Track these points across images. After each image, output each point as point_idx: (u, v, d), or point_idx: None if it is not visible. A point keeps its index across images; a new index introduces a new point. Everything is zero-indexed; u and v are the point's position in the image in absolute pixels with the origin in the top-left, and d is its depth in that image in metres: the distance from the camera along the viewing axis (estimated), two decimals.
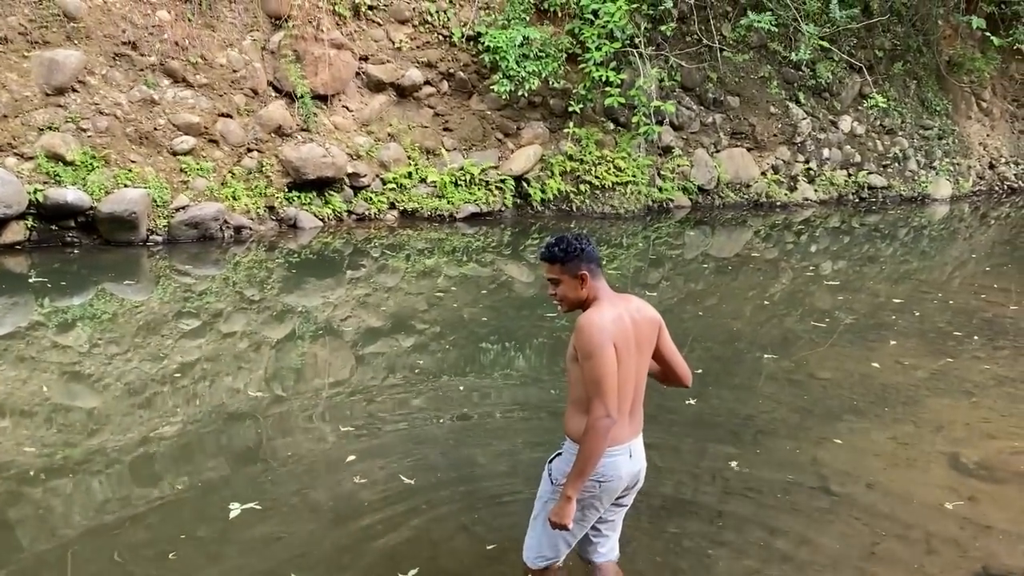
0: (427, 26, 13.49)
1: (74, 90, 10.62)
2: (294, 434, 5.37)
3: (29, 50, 10.45)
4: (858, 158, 17.72)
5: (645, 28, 14.43)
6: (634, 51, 13.99)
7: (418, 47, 13.45)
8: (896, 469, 4.99)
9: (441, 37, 13.58)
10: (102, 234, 10.14)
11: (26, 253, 9.70)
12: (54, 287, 8.54)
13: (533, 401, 6.05)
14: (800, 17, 15.49)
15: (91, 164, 10.32)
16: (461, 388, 6.18)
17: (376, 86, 13.09)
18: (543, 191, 13.70)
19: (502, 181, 13.45)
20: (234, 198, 11.27)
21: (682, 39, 15.57)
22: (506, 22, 13.51)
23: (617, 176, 14.03)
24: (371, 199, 12.60)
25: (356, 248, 11.06)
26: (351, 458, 4.90)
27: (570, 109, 13.79)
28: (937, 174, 18.79)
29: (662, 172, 14.97)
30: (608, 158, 14.07)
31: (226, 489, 4.52)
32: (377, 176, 12.76)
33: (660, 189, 14.74)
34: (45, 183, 9.96)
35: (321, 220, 12.02)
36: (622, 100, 13.52)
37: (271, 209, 11.72)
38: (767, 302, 9.39)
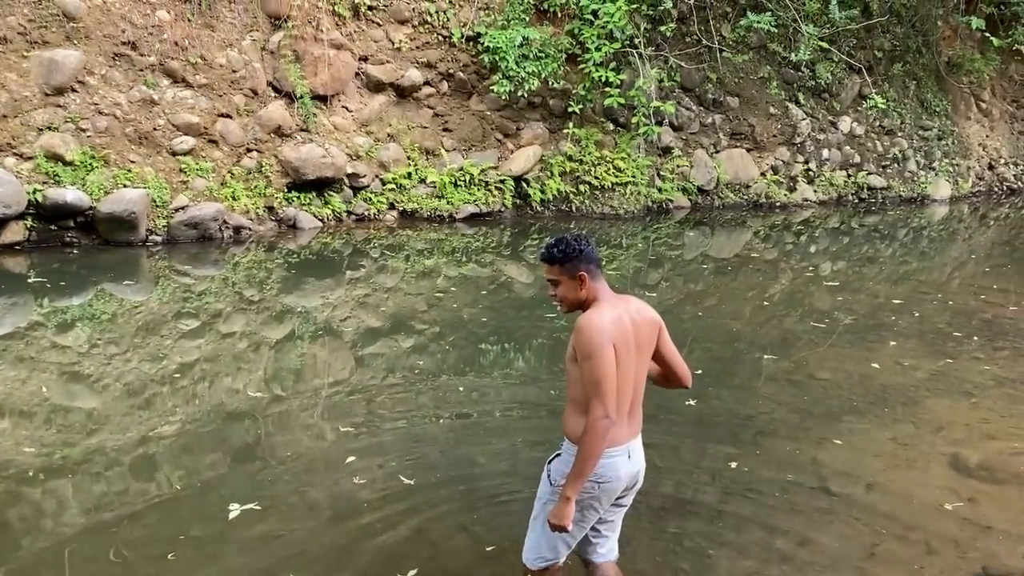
0: (427, 26, 13.49)
1: (73, 90, 10.62)
2: (293, 433, 5.37)
3: (28, 50, 10.45)
4: (857, 159, 17.73)
5: (645, 28, 14.43)
6: (634, 51, 14.00)
7: (418, 47, 13.45)
8: (896, 470, 4.99)
9: (441, 37, 13.58)
10: (101, 234, 10.14)
11: (25, 253, 9.70)
12: (53, 287, 8.54)
13: (533, 401, 6.04)
14: (800, 18, 15.50)
15: (90, 164, 10.31)
16: (461, 388, 6.18)
17: (376, 86, 13.08)
18: (543, 191, 13.70)
19: (502, 181, 13.45)
20: (233, 198, 11.27)
21: (682, 40, 15.57)
22: (506, 22, 13.51)
23: (617, 177, 14.04)
24: (370, 199, 12.59)
25: (355, 248, 11.06)
26: (351, 459, 4.90)
27: (570, 109, 13.80)
28: (936, 175, 18.81)
29: (662, 173, 14.98)
30: (608, 158, 14.08)
31: (225, 488, 4.52)
32: (376, 176, 12.76)
33: (660, 190, 14.74)
34: (44, 183, 9.95)
35: (320, 220, 12.02)
36: (622, 100, 13.53)
37: (270, 209, 11.72)
38: (767, 303, 9.39)
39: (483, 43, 13.28)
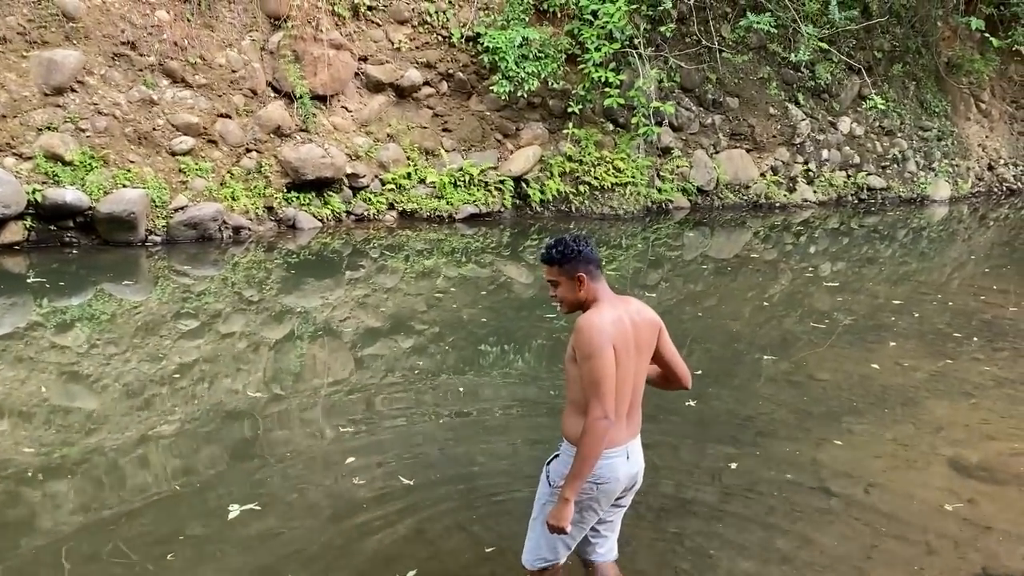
0: (426, 27, 13.48)
1: (73, 90, 10.61)
2: (292, 433, 5.36)
3: (28, 50, 10.44)
4: (857, 159, 17.73)
5: (644, 29, 14.43)
6: (633, 52, 13.99)
7: (417, 48, 13.44)
8: (896, 470, 4.99)
9: (440, 38, 13.57)
10: (101, 234, 10.13)
11: (24, 253, 9.69)
12: (52, 287, 8.53)
13: (532, 400, 6.04)
14: (799, 18, 15.50)
15: (90, 164, 10.31)
16: (461, 389, 6.17)
17: (375, 86, 13.08)
18: (542, 192, 13.70)
19: (501, 182, 13.44)
20: (233, 198, 11.26)
21: (681, 40, 15.57)
22: (505, 23, 13.51)
23: (616, 177, 14.04)
24: (370, 200, 12.59)
25: (355, 249, 11.05)
26: (350, 459, 4.89)
27: (569, 110, 13.79)
28: (936, 175, 18.81)
29: (661, 173, 14.97)
30: (607, 159, 14.08)
31: (224, 488, 4.51)
32: (376, 177, 12.76)
33: (659, 190, 14.74)
34: (44, 183, 9.94)
35: (320, 221, 12.01)
36: (621, 101, 13.52)
37: (270, 209, 11.71)
38: (766, 303, 9.39)
39: (483, 43, 13.28)
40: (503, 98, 13.26)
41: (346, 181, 12.41)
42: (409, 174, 12.92)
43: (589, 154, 13.94)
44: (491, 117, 13.84)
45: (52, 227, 10.00)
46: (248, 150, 11.75)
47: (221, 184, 11.32)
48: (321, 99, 12.52)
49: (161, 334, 7.26)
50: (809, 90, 17.27)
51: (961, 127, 20.16)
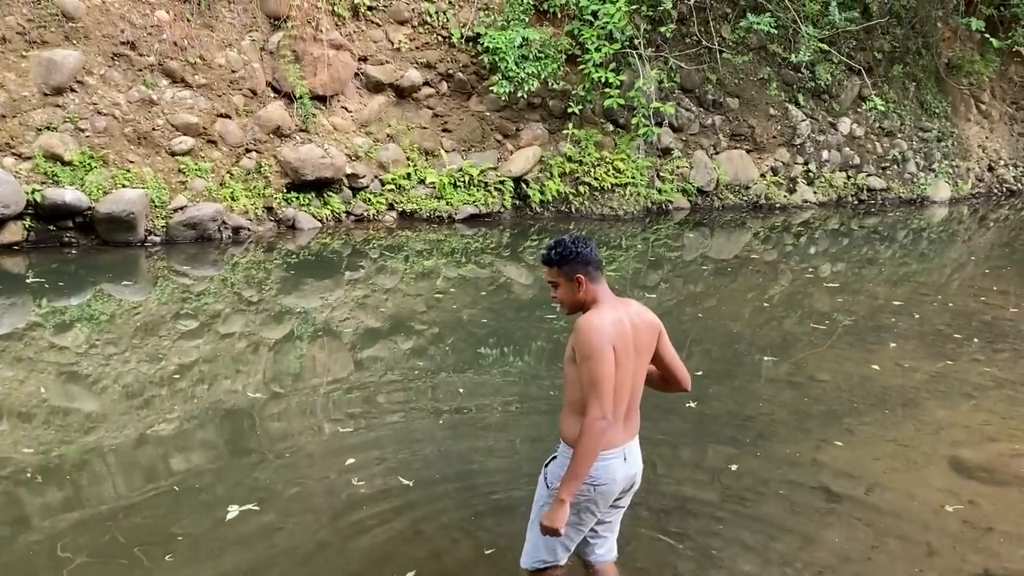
0: (426, 27, 13.48)
1: (72, 90, 10.60)
2: (292, 432, 5.35)
3: (27, 50, 10.43)
4: (857, 160, 17.73)
5: (644, 29, 14.43)
6: (633, 52, 13.99)
7: (417, 48, 13.44)
8: (896, 471, 4.98)
9: (440, 38, 13.56)
10: (100, 234, 10.12)
11: (24, 253, 9.68)
12: (52, 287, 8.52)
13: (532, 399, 6.03)
14: (799, 19, 15.50)
15: (89, 164, 10.30)
16: (461, 389, 6.16)
17: (375, 87, 13.07)
18: (542, 192, 13.69)
19: (501, 182, 13.44)
20: (232, 199, 11.26)
21: (681, 40, 15.57)
22: (505, 23, 13.50)
23: (616, 177, 14.03)
24: (370, 200, 12.58)
25: (355, 249, 11.04)
26: (350, 460, 4.88)
27: (569, 110, 13.79)
28: (936, 176, 18.81)
29: (661, 174, 14.97)
30: (607, 159, 14.07)
31: (222, 486, 4.51)
32: (376, 177, 12.75)
33: (659, 191, 14.73)
34: (43, 183, 9.93)
35: (320, 221, 12.00)
36: (621, 101, 13.52)
37: (269, 210, 11.70)
38: (766, 304, 9.38)
39: (483, 44, 13.27)
40: (503, 98, 13.25)
41: (346, 181, 12.40)
42: (409, 174, 12.91)
43: (589, 155, 13.94)
44: (491, 117, 13.84)
45: (51, 227, 9.99)
46: (248, 150, 11.74)
47: (221, 184, 11.31)
48: (321, 99, 12.51)
49: (160, 334, 7.25)
50: (809, 91, 17.27)
51: (961, 128, 20.16)
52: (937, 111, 19.42)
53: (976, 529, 4.32)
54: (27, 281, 8.73)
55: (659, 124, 14.51)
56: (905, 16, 18.73)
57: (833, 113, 17.62)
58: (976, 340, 7.81)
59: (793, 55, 15.71)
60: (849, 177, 17.53)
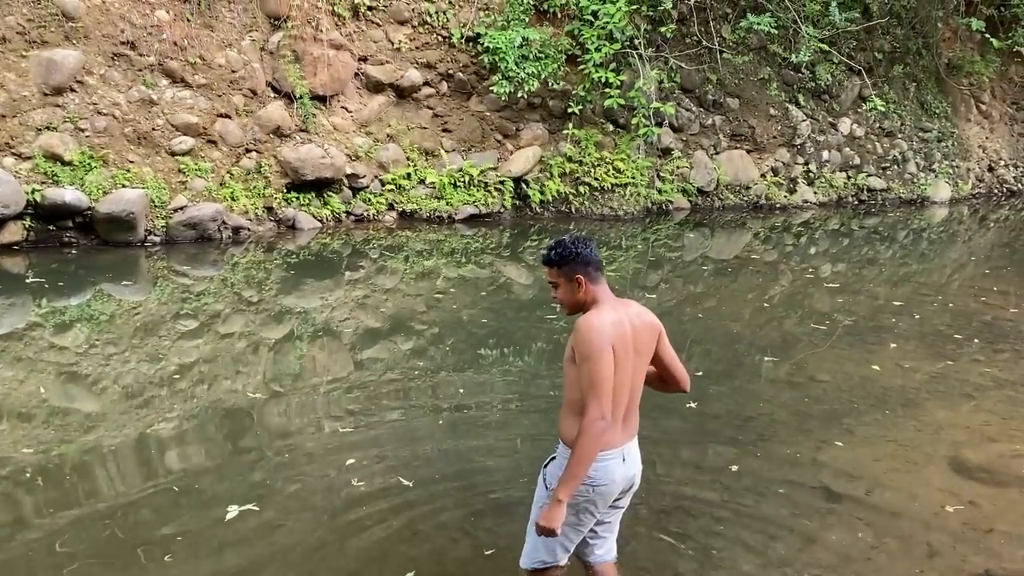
0: (426, 27, 13.48)
1: (72, 90, 10.60)
2: (291, 432, 5.34)
3: (27, 50, 10.43)
4: (857, 160, 17.73)
5: (645, 29, 14.42)
6: (634, 52, 13.99)
7: (417, 48, 13.43)
8: (897, 472, 4.97)
9: (440, 38, 13.56)
10: (100, 234, 10.12)
11: (24, 253, 9.67)
12: (51, 287, 8.51)
13: (532, 399, 6.02)
14: (800, 19, 15.49)
15: (89, 164, 10.29)
16: (461, 389, 6.16)
17: (375, 87, 13.07)
18: (542, 192, 13.68)
19: (501, 182, 13.43)
20: (232, 199, 11.25)
21: (682, 41, 15.57)
22: (505, 23, 13.50)
23: (616, 178, 14.02)
24: (370, 200, 12.57)
25: (355, 249, 11.04)
26: (350, 460, 4.88)
27: (569, 110, 13.78)
28: (936, 176, 18.80)
29: (661, 174, 14.96)
30: (607, 160, 14.06)
31: (221, 486, 4.50)
32: (376, 177, 12.74)
33: (659, 191, 14.73)
34: (43, 183, 9.93)
35: (320, 221, 12.00)
36: (621, 101, 13.51)
37: (269, 210, 11.70)
38: (766, 304, 9.37)
39: (483, 44, 13.27)
40: (503, 98, 13.25)
41: (346, 181, 12.39)
42: (409, 174, 12.91)
43: (589, 155, 13.93)
44: (491, 117, 13.83)
45: (51, 227, 9.98)
46: (248, 150, 11.73)
47: (220, 184, 11.30)
48: (321, 99, 12.50)
49: (160, 334, 7.24)
50: (809, 91, 17.27)
51: (961, 128, 20.15)
52: (937, 111, 19.42)
53: (977, 530, 4.32)
54: (27, 281, 8.72)
55: (659, 124, 14.50)
56: (905, 16, 18.73)
57: (833, 113, 17.62)
58: (976, 340, 7.80)
59: (793, 55, 15.71)
60: (849, 177, 17.53)
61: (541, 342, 7.40)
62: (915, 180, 18.52)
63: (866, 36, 17.91)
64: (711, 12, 15.68)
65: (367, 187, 12.60)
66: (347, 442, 5.16)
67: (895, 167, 18.33)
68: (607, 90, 13.43)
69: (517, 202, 13.70)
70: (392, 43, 13.24)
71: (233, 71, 11.79)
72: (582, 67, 13.56)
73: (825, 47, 15.86)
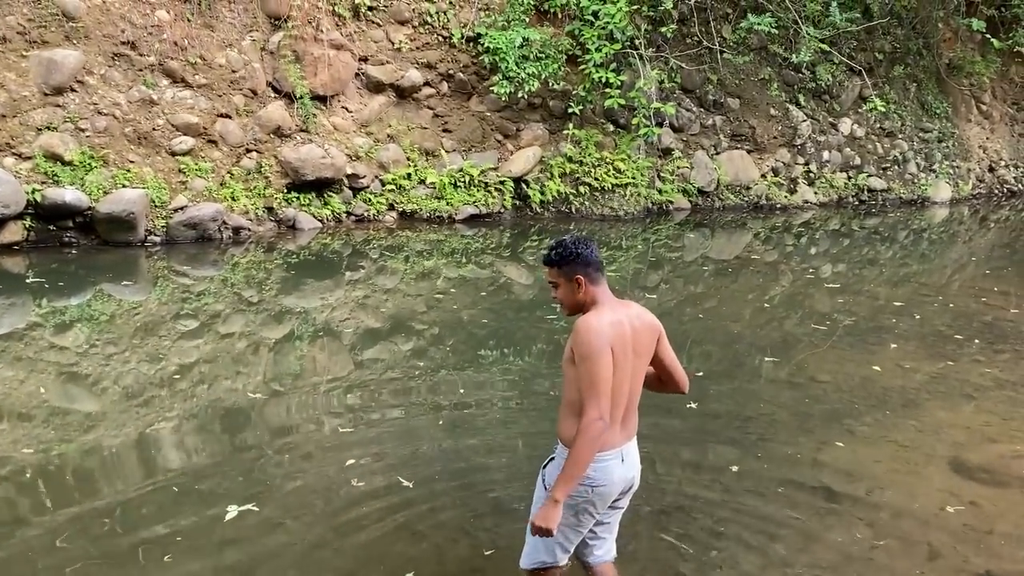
0: (427, 27, 13.48)
1: (72, 90, 10.60)
2: (291, 432, 5.34)
3: (28, 50, 10.43)
4: (858, 160, 17.73)
5: (645, 30, 14.42)
6: (634, 52, 13.99)
7: (418, 48, 13.44)
8: (897, 472, 4.97)
9: (441, 38, 13.56)
10: (100, 234, 10.12)
11: (24, 253, 9.67)
12: (52, 287, 8.51)
13: (532, 398, 6.02)
14: (800, 19, 15.49)
15: (89, 164, 10.29)
16: (461, 388, 6.16)
17: (375, 87, 13.07)
18: (542, 193, 13.68)
19: (501, 183, 13.43)
20: (233, 199, 11.25)
21: (682, 41, 15.57)
22: (506, 23, 13.50)
23: (617, 178, 14.02)
24: (370, 200, 12.57)
25: (355, 249, 11.04)
26: (350, 460, 4.87)
27: (570, 111, 13.78)
28: (937, 177, 18.80)
29: (662, 174, 14.96)
30: (608, 160, 14.06)
31: (221, 486, 4.50)
32: (376, 177, 12.74)
33: (660, 191, 14.73)
34: (43, 183, 9.93)
35: (320, 221, 12.00)
36: (622, 102, 13.51)
37: (270, 210, 11.70)
38: (767, 305, 9.37)
39: (483, 44, 13.27)
40: (503, 99, 13.25)
41: (346, 182, 12.39)
42: (409, 175, 12.91)
43: (589, 155, 13.93)
44: (491, 118, 13.83)
45: (51, 227, 9.98)
46: (248, 150, 11.73)
47: (221, 184, 11.30)
48: (321, 99, 12.51)
49: (160, 334, 7.24)
50: (810, 91, 17.26)
51: (962, 129, 20.15)
52: (938, 112, 19.42)
53: (977, 530, 4.31)
54: (27, 281, 8.72)
55: (660, 124, 14.50)
56: (906, 17, 18.73)
57: (834, 114, 17.62)
58: (977, 341, 7.80)
59: (794, 55, 15.71)
60: (850, 178, 17.53)
61: (541, 342, 7.39)
62: (915, 180, 18.52)
63: (867, 36, 17.91)
64: (712, 12, 15.68)
65: (367, 187, 12.60)
66: (347, 441, 5.16)
67: (895, 167, 18.33)
68: (607, 90, 13.43)
69: (517, 202, 13.70)
70: (392, 43, 13.24)
71: (233, 71, 11.79)
72: (582, 67, 13.56)
73: (826, 47, 15.86)
